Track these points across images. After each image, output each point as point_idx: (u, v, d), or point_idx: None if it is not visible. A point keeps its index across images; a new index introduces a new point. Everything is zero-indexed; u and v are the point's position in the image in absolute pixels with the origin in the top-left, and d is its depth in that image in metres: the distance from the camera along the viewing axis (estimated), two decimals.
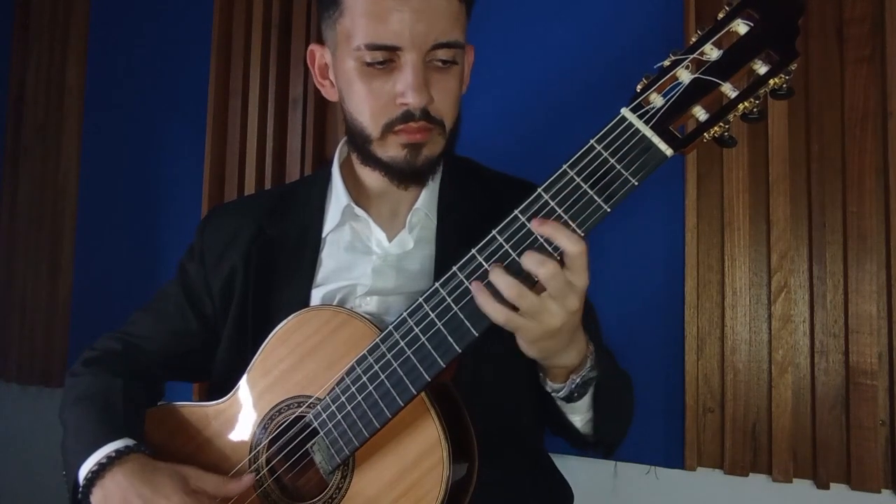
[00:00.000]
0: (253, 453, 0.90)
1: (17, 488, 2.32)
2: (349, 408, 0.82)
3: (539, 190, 0.74)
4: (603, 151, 0.72)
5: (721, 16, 0.71)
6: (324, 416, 0.84)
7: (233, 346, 0.99)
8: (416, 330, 0.78)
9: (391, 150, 0.89)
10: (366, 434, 0.81)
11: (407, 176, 0.92)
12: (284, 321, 0.90)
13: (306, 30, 1.86)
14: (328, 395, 0.84)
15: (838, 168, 1.30)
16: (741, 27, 0.70)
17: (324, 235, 0.99)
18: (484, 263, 0.75)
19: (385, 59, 0.85)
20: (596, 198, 0.72)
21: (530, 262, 0.72)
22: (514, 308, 0.73)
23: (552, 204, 0.73)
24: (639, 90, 0.72)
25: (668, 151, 0.70)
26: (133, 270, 2.13)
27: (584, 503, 1.05)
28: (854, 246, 1.28)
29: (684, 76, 0.71)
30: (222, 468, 0.91)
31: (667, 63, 0.72)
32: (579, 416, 0.90)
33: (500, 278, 0.73)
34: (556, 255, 0.72)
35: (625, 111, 0.72)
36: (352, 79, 0.89)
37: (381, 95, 0.87)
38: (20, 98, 2.41)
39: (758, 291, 1.36)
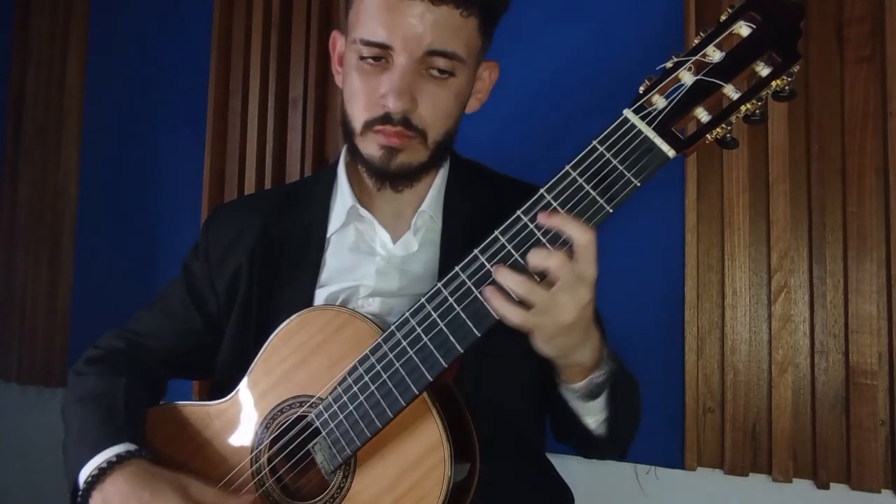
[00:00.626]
0: (254, 453, 0.89)
1: (17, 488, 2.32)
2: (351, 407, 0.81)
3: (542, 190, 0.74)
4: (605, 152, 0.72)
5: (723, 18, 0.71)
6: (326, 415, 0.83)
7: (235, 344, 0.99)
8: (419, 330, 0.78)
9: (369, 148, 0.90)
10: (367, 434, 0.80)
11: (381, 177, 0.92)
12: (287, 321, 0.89)
13: (306, 30, 1.86)
14: (330, 394, 0.83)
15: (838, 168, 1.31)
16: (743, 29, 0.70)
17: (328, 236, 0.99)
18: (486, 264, 0.75)
19: (378, 56, 0.86)
20: (598, 198, 0.72)
21: (536, 258, 0.72)
22: (526, 308, 0.72)
23: (554, 204, 0.73)
24: (641, 92, 0.72)
25: (671, 152, 0.71)
26: (133, 270, 2.12)
27: (584, 503, 1.05)
28: (854, 246, 1.29)
29: (687, 78, 0.71)
30: (223, 468, 0.91)
31: (669, 65, 0.72)
32: (593, 417, 0.90)
33: (507, 277, 0.73)
34: (562, 249, 0.72)
35: (627, 112, 0.72)
36: (349, 70, 0.90)
37: (368, 92, 0.88)
38: (20, 98, 2.41)
39: (758, 291, 1.36)
